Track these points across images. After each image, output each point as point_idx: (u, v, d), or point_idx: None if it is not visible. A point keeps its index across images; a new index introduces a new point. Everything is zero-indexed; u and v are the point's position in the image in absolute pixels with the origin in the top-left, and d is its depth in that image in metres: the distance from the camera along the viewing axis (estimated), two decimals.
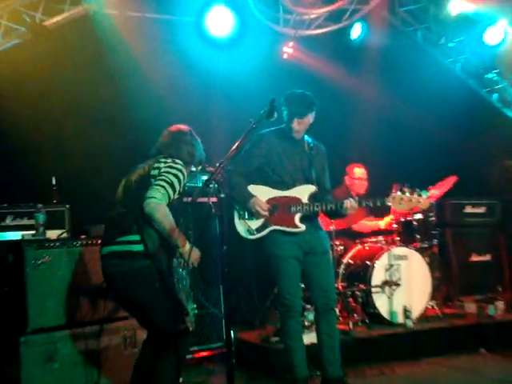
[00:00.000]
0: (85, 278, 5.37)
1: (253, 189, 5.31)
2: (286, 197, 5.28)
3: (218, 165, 4.11)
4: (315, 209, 5.22)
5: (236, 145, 4.24)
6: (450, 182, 7.39)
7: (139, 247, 4.19)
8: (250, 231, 5.30)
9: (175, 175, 4.25)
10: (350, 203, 5.12)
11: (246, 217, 5.31)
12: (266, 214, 5.23)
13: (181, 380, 4.80)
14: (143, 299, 4.27)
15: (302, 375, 5.24)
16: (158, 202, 4.08)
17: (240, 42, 7.69)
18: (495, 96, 10.22)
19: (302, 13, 8.18)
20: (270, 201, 5.27)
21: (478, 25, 9.37)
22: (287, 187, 5.31)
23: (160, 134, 4.63)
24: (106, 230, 4.44)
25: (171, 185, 4.19)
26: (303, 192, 5.30)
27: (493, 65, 9.91)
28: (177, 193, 4.26)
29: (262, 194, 5.29)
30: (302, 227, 5.24)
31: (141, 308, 4.37)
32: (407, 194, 5.03)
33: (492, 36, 9.27)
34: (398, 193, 5.04)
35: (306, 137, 5.48)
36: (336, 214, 5.33)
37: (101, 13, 7.06)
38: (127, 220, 4.25)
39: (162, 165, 4.30)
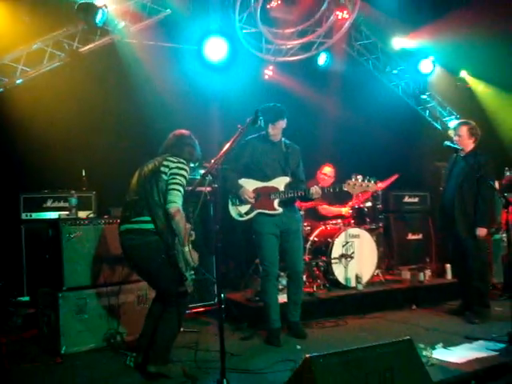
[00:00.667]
0: (107, 249, 5.33)
1: (242, 182, 5.35)
2: (267, 187, 5.34)
3: (213, 161, 4.06)
4: (289, 195, 5.28)
5: (228, 145, 4.19)
6: (393, 177, 7.39)
7: (149, 225, 4.21)
8: (240, 214, 5.38)
9: (183, 176, 4.26)
10: (314, 189, 5.23)
11: (237, 203, 5.36)
12: (252, 200, 5.28)
13: (182, 329, 4.86)
14: (151, 266, 4.27)
15: (276, 326, 5.31)
16: (178, 206, 4.16)
17: (231, 66, 7.60)
18: (427, 112, 10.21)
19: (280, 43, 8.14)
20: (255, 190, 5.33)
21: (414, 57, 9.43)
22: (268, 179, 5.36)
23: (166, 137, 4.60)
24: (123, 212, 4.43)
25: (183, 186, 4.23)
26: (280, 182, 5.36)
27: (425, 88, 9.92)
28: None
29: (249, 185, 5.33)
30: (279, 210, 5.30)
31: (150, 273, 4.38)
32: (359, 181, 5.11)
33: (424, 66, 9.41)
34: (352, 179, 5.13)
35: (284, 139, 5.48)
36: (306, 198, 5.39)
37: (123, 42, 6.96)
38: (139, 205, 4.26)
39: (171, 164, 4.28)
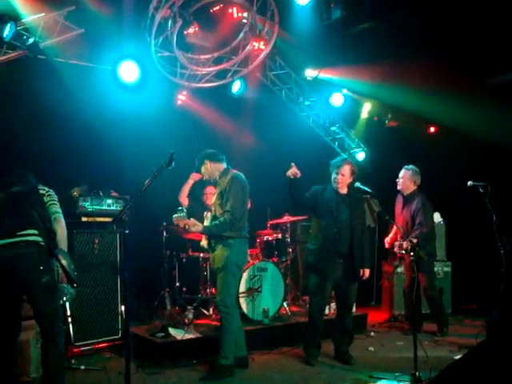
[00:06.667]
0: None
1: None
2: None
3: (124, 206, 3.97)
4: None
5: (140, 190, 4.15)
6: None
7: (35, 238, 4.29)
8: None
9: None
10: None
11: None
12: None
13: (83, 367, 5.09)
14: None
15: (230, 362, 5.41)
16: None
17: (144, 89, 7.45)
18: (336, 143, 10.49)
19: (195, 69, 8.08)
20: None
21: (326, 90, 9.69)
22: None
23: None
24: None
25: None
26: (208, 218, 5.57)
27: (335, 120, 10.22)
28: None
29: None
30: (204, 244, 5.64)
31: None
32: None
33: (336, 99, 9.69)
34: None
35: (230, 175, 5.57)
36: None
37: (32, 57, 6.66)
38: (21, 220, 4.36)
39: (46, 189, 4.60)
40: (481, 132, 8.38)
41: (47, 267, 4.23)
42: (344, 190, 5.98)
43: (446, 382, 4.42)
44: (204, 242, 5.55)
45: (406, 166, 7.35)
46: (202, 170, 5.69)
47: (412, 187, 7.26)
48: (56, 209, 4.53)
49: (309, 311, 6.06)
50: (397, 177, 7.38)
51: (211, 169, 5.63)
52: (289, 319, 7.14)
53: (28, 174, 4.64)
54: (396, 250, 7.26)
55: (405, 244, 6.92)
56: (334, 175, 5.96)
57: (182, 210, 5.21)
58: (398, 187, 7.34)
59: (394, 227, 7.48)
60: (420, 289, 7.17)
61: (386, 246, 7.63)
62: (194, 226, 5.22)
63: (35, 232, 4.28)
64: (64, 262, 4.18)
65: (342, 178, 5.93)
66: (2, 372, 4.30)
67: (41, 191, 4.55)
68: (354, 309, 7.60)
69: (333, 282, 5.91)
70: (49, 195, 4.57)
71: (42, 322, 4.27)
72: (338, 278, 5.89)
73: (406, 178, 7.26)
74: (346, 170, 5.93)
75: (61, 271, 4.21)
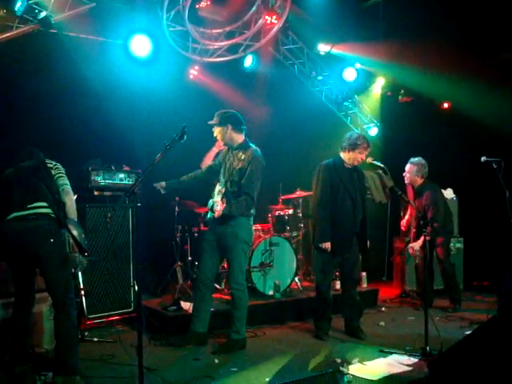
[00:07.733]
0: None
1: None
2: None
3: (136, 179, 3.95)
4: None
5: (152, 163, 4.10)
6: None
7: (45, 210, 4.36)
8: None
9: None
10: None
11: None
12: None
13: (96, 339, 5.08)
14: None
15: (192, 329, 5.43)
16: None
17: (156, 63, 7.40)
18: (349, 119, 10.40)
19: (207, 44, 8.02)
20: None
21: (339, 65, 9.58)
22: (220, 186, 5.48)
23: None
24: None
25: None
26: (218, 191, 5.41)
27: (348, 95, 10.11)
28: None
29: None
30: (211, 216, 5.48)
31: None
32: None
33: (349, 74, 9.56)
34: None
35: (241, 148, 5.48)
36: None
37: (44, 32, 6.59)
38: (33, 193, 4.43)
39: (52, 163, 4.63)
40: (494, 111, 8.30)
41: (58, 238, 4.26)
42: (351, 166, 5.91)
43: (457, 356, 4.43)
44: (209, 213, 5.48)
45: (412, 160, 7.20)
46: (219, 129, 5.45)
47: (419, 180, 7.16)
48: (64, 181, 4.57)
49: (318, 287, 5.96)
50: (409, 153, 7.30)
51: (229, 135, 5.43)
52: (300, 294, 7.14)
53: (37, 150, 4.71)
54: (410, 251, 7.21)
55: (416, 245, 6.98)
56: (357, 154, 5.76)
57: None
58: (406, 181, 7.24)
59: (409, 209, 7.50)
60: (433, 264, 7.19)
61: (403, 228, 7.66)
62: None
63: (44, 204, 4.34)
64: (75, 232, 4.21)
65: (364, 159, 5.85)
66: (16, 343, 4.36)
67: (48, 165, 4.60)
68: (365, 284, 7.70)
69: (341, 258, 5.91)
70: (56, 168, 4.61)
71: (54, 293, 4.31)
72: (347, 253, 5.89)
73: (412, 173, 7.16)
74: (369, 151, 5.85)
75: (72, 241, 4.22)
